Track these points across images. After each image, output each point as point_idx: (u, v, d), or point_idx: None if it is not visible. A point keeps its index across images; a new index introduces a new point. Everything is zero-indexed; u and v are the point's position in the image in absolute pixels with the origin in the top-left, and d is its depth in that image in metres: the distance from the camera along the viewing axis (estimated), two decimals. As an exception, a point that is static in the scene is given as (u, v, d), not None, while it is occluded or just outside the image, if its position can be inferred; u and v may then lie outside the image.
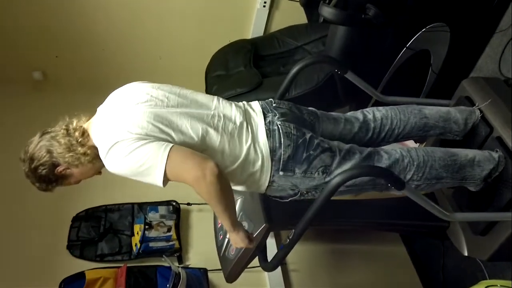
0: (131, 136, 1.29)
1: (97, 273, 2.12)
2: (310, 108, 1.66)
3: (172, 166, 1.26)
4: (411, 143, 2.42)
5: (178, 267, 2.10)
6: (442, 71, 2.24)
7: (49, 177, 1.42)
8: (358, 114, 1.71)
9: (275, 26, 3.01)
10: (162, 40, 3.10)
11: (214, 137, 1.38)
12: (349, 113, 1.74)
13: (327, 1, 1.91)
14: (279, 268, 2.31)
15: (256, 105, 1.55)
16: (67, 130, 1.41)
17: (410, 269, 2.46)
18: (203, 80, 2.67)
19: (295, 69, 1.81)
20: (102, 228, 2.38)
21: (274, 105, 1.55)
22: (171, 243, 2.33)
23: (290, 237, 1.50)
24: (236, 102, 1.56)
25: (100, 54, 3.09)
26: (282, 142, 1.41)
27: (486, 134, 1.76)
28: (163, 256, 2.17)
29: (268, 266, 1.65)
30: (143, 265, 2.23)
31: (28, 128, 1.51)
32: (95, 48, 3.05)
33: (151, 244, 2.29)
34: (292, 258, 2.45)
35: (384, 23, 1.91)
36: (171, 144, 1.29)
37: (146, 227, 2.31)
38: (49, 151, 1.39)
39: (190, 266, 2.30)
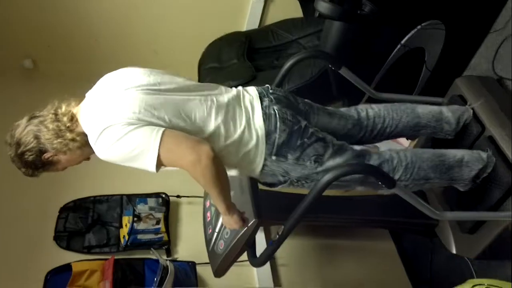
0: (122, 121, 1.27)
1: (83, 265, 2.09)
2: (305, 99, 1.65)
3: (166, 150, 1.25)
4: (403, 140, 2.42)
5: (166, 260, 2.08)
6: (436, 69, 2.23)
7: (35, 163, 1.40)
8: (352, 111, 1.71)
9: (270, 19, 2.97)
10: (157, 31, 3.06)
11: (208, 120, 1.37)
12: (343, 109, 1.73)
13: (322, -5, 1.89)
14: (268, 262, 2.31)
15: (252, 89, 1.54)
16: (56, 115, 1.38)
17: (398, 265, 2.46)
18: (196, 73, 2.64)
19: (289, 63, 1.80)
20: (90, 220, 2.35)
21: (271, 91, 1.54)
22: (159, 235, 2.31)
23: (280, 233, 1.49)
24: (229, 88, 1.54)
25: (93, 45, 3.03)
26: (278, 126, 1.41)
27: (478, 133, 1.77)
28: (151, 249, 2.15)
29: (257, 262, 1.64)
30: (130, 257, 2.21)
31: (16, 116, 1.46)
32: (88, 39, 3.00)
33: (140, 237, 2.27)
34: (280, 252, 2.43)
35: (380, 19, 1.89)
36: (164, 128, 1.27)
37: (135, 219, 2.28)
38: (36, 137, 1.36)
39: (178, 259, 2.28)
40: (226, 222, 1.48)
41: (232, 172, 1.48)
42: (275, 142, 1.41)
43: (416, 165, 1.55)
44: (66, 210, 2.38)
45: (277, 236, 1.50)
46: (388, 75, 2.21)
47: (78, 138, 1.37)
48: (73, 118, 1.38)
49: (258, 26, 3.02)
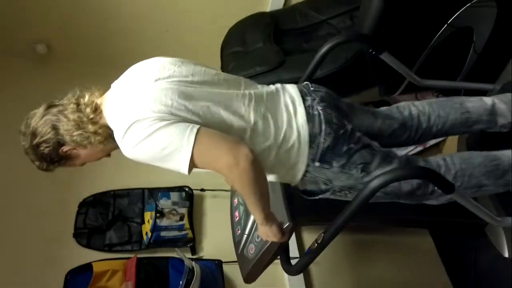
0: (153, 115, 1.12)
1: (105, 265, 1.99)
2: (345, 100, 1.48)
3: (201, 151, 1.10)
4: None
5: (192, 261, 1.96)
6: (484, 52, 2.02)
7: (51, 157, 1.26)
8: (394, 110, 1.52)
9: (296, -2, 2.76)
10: (169, 11, 2.86)
11: (246, 118, 1.22)
12: (383, 109, 1.55)
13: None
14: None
15: (292, 87, 1.37)
16: (78, 104, 1.24)
17: (438, 265, 2.30)
18: (216, 57, 2.46)
19: (324, 49, 1.59)
20: (110, 215, 2.24)
21: (312, 88, 1.37)
22: (184, 232, 2.19)
23: (319, 242, 1.34)
24: (266, 84, 1.39)
25: (103, 24, 2.86)
26: (323, 129, 1.25)
27: (539, 127, 1.57)
28: (176, 249, 2.03)
29: (292, 270, 1.49)
30: (154, 256, 2.11)
31: (31, 105, 1.31)
32: (97, 18, 2.82)
33: (163, 234, 2.15)
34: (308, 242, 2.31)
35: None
36: (198, 126, 1.12)
37: (158, 215, 2.16)
38: (54, 127, 1.22)
39: (204, 257, 2.16)
40: (263, 233, 1.34)
41: (270, 178, 1.33)
42: (320, 147, 1.25)
43: (467, 172, 1.37)
44: (86, 205, 2.27)
45: (316, 244, 1.35)
46: (430, 58, 2.01)
47: (100, 131, 1.22)
48: (96, 109, 1.23)
49: (283, 6, 2.82)
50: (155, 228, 2.13)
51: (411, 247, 2.32)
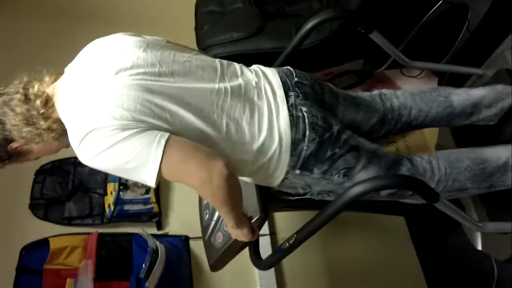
0: (113, 123, 0.98)
1: (63, 241, 1.87)
2: (330, 85, 1.34)
3: (169, 166, 0.98)
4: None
5: (157, 239, 1.87)
6: (478, 30, 1.89)
7: None
8: (377, 101, 1.40)
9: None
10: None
11: (219, 124, 1.08)
12: (366, 94, 1.43)
13: None
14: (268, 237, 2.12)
15: (274, 76, 1.22)
16: (26, 95, 1.08)
17: (408, 243, 2.28)
18: (191, 16, 2.25)
19: (308, 25, 1.45)
20: (70, 185, 2.10)
21: (296, 79, 1.23)
22: (149, 206, 2.07)
23: (291, 242, 1.26)
24: (245, 68, 1.23)
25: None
26: (306, 135, 1.12)
27: (529, 121, 1.48)
28: (140, 228, 1.92)
29: (261, 265, 1.43)
30: (116, 232, 2.00)
31: None
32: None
33: (127, 207, 2.03)
34: (281, 225, 2.25)
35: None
36: (167, 135, 0.99)
37: (121, 187, 2.03)
38: (0, 122, 1.07)
39: (170, 233, 2.07)
40: (233, 234, 1.25)
41: (245, 179, 1.23)
42: (302, 155, 1.13)
43: (451, 177, 1.29)
44: (43, 172, 2.12)
45: (287, 244, 1.28)
46: (420, 35, 1.87)
47: (54, 127, 1.07)
48: (47, 102, 1.08)
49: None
50: (118, 201, 2.01)
51: (384, 225, 2.29)
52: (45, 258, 1.82)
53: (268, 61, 1.57)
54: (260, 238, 1.44)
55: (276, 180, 1.17)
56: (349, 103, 1.33)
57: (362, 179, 1.17)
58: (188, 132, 1.03)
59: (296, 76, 1.23)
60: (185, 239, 2.04)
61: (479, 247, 1.71)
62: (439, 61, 1.96)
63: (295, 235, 1.26)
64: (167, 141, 0.97)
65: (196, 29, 2.18)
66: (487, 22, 1.84)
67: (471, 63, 1.96)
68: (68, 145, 1.15)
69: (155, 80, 1.05)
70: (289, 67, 1.28)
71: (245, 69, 1.22)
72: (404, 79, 2.40)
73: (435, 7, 1.76)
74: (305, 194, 1.25)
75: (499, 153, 1.36)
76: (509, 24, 1.85)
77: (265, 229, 2.12)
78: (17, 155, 1.14)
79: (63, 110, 1.06)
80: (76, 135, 1.00)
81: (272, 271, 2.05)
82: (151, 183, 0.99)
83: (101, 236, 1.91)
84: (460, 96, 1.45)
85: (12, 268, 1.83)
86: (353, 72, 2.48)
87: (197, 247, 2.06)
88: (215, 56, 1.28)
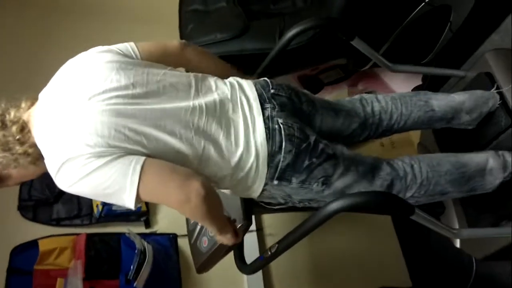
0: (87, 151, 0.99)
1: (52, 243, 1.91)
2: (306, 92, 1.36)
3: (147, 191, 1.00)
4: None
5: (144, 239, 1.91)
6: (460, 31, 1.90)
7: None
8: (357, 105, 1.42)
9: None
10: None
11: (195, 142, 1.09)
12: (347, 100, 1.45)
13: None
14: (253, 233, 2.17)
15: (250, 89, 1.23)
16: (2, 122, 1.09)
17: (391, 235, 2.35)
18: (175, 14, 2.23)
19: (289, 34, 1.47)
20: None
21: (272, 91, 1.24)
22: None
23: (273, 252, 1.30)
24: (220, 82, 1.24)
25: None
26: (283, 146, 1.14)
27: (506, 127, 1.51)
28: (128, 229, 1.95)
29: (245, 269, 1.46)
30: (105, 232, 2.03)
31: None
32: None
33: (115, 207, 2.06)
34: (268, 220, 2.29)
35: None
36: (143, 159, 1.00)
37: (109, 187, 2.05)
38: None
39: (158, 231, 2.11)
40: (219, 240, 1.30)
41: (225, 191, 1.26)
42: (279, 166, 1.15)
43: (433, 181, 1.32)
44: (31, 174, 2.12)
45: (269, 253, 1.31)
46: (402, 37, 1.88)
47: (30, 151, 1.08)
48: (23, 128, 1.09)
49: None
50: (106, 201, 2.03)
51: (369, 220, 2.33)
52: (35, 259, 1.86)
53: (253, 62, 1.59)
54: (247, 235, 1.47)
55: (255, 192, 1.20)
56: (327, 110, 1.35)
57: (340, 186, 1.22)
58: (164, 154, 1.05)
59: (272, 88, 1.24)
60: (173, 237, 2.09)
61: (458, 245, 1.76)
62: (422, 61, 1.99)
63: (276, 245, 1.29)
64: (142, 167, 0.99)
65: (180, 27, 2.16)
66: (470, 23, 1.85)
67: (454, 62, 1.99)
68: (46, 169, 1.17)
69: (129, 104, 1.05)
70: (266, 79, 1.29)
71: (219, 83, 1.23)
72: (390, 73, 2.41)
73: (417, 9, 1.76)
74: (286, 203, 1.28)
75: (478, 159, 1.40)
76: (491, 25, 1.87)
77: (251, 225, 2.17)
78: None
79: (39, 137, 1.07)
80: (52, 164, 1.01)
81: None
82: (130, 206, 1.02)
83: (89, 236, 1.94)
84: (441, 101, 1.48)
85: (3, 270, 1.87)
86: (339, 67, 2.49)
87: (186, 245, 2.07)
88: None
